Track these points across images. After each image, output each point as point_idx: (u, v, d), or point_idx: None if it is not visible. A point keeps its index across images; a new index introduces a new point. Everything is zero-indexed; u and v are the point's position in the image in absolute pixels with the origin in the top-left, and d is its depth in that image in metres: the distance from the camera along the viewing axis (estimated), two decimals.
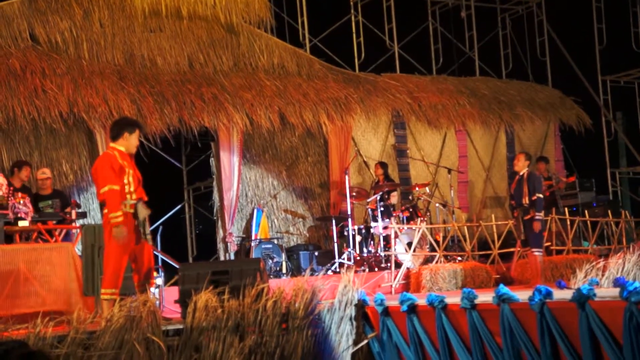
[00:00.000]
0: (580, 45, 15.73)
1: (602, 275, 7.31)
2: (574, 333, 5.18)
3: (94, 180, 6.59)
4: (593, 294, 5.06)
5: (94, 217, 10.30)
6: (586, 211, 12.04)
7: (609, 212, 11.92)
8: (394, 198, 11.24)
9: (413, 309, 6.49)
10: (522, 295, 5.64)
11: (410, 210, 10.84)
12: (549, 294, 5.36)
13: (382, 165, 11.59)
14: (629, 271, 7.35)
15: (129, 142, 6.54)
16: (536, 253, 9.18)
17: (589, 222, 11.44)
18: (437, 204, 11.55)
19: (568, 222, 11.03)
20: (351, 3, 13.69)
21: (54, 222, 8.58)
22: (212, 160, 11.59)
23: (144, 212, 6.47)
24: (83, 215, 9.16)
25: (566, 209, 11.44)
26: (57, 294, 7.25)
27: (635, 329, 4.73)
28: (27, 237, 8.23)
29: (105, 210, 6.39)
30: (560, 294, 5.70)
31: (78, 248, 7.99)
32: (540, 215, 9.13)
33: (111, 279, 6.31)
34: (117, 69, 10.61)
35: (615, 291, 5.08)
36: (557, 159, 14.53)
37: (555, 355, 5.35)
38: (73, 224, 8.70)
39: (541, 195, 9.21)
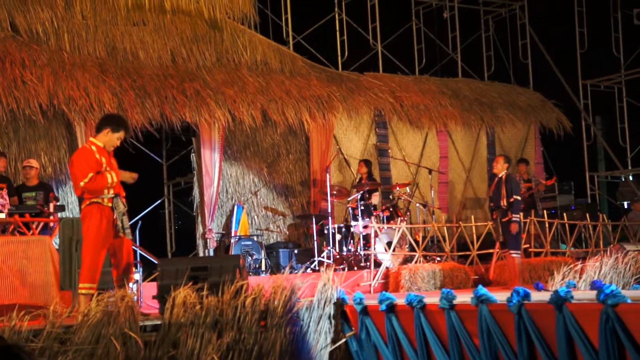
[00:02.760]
0: (562, 49, 15.86)
1: (580, 277, 7.38)
2: (550, 335, 5.22)
3: (71, 174, 6.52)
4: (570, 296, 5.10)
5: (72, 210, 10.21)
6: (564, 214, 12.13)
7: (587, 215, 12.04)
8: (375, 198, 11.24)
9: (392, 308, 6.50)
10: (500, 296, 5.67)
11: (391, 209, 10.86)
12: (526, 296, 5.39)
13: (366, 163, 11.58)
14: (606, 274, 7.42)
15: (109, 139, 6.48)
16: (514, 255, 9.24)
17: (567, 224, 11.53)
18: (417, 204, 11.58)
19: (546, 225, 11.10)
20: (335, 1, 13.69)
21: (32, 214, 8.48)
22: (193, 156, 11.53)
23: (121, 207, 6.42)
24: (61, 208, 9.07)
25: (545, 212, 11.52)
26: (34, 288, 7.18)
27: (611, 331, 4.78)
28: (4, 230, 8.13)
29: (83, 206, 6.35)
30: (538, 296, 5.74)
31: (56, 241, 7.91)
32: (517, 217, 9.20)
33: (89, 273, 6.25)
34: (98, 62, 10.52)
35: (592, 294, 5.13)
36: (537, 162, 14.64)
37: (532, 356, 5.38)
38: (51, 217, 8.61)
39: (519, 198, 9.28)
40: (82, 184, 6.24)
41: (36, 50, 10.12)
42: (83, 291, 6.24)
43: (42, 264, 7.28)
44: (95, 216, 6.30)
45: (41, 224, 8.57)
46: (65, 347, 5.64)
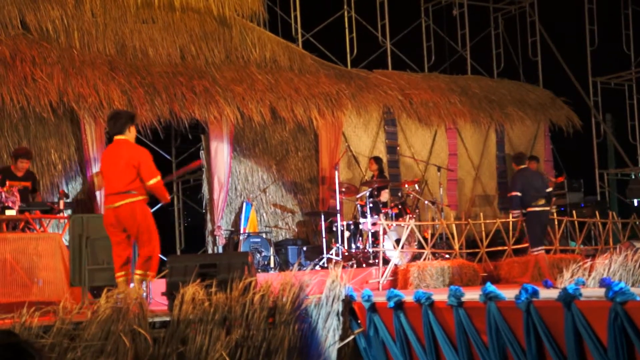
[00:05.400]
0: (572, 46, 15.80)
1: (589, 275, 7.35)
2: (559, 332, 5.21)
3: (141, 169, 6.52)
4: (579, 293, 5.09)
5: (82, 207, 10.25)
6: (574, 211, 12.09)
7: (597, 212, 11.99)
8: (385, 195, 11.24)
9: (400, 305, 6.50)
10: (509, 293, 5.66)
11: (399, 207, 10.86)
12: (535, 293, 5.38)
13: (377, 160, 11.57)
14: (615, 272, 7.39)
15: (133, 134, 6.72)
16: (534, 252, 9.31)
17: (576, 222, 11.49)
18: (426, 202, 11.57)
19: (556, 222, 11.07)
20: None
21: (42, 212, 8.53)
22: (202, 153, 11.55)
23: None
24: (71, 205, 9.12)
25: (554, 209, 11.48)
26: (44, 284, 7.22)
27: (619, 329, 4.76)
28: (14, 227, 8.18)
29: (133, 199, 6.49)
30: (547, 293, 5.73)
31: (65, 238, 7.96)
32: (515, 212, 9.32)
33: (156, 263, 6.63)
34: (108, 59, 10.55)
35: (601, 291, 5.11)
36: (547, 159, 14.60)
37: (541, 354, 5.37)
38: (61, 214, 8.65)
39: (516, 193, 9.41)
40: (152, 182, 6.54)
41: (46, 48, 10.17)
42: (152, 279, 6.64)
43: (52, 261, 7.32)
44: (149, 210, 6.72)
45: (51, 221, 8.62)
46: (75, 343, 5.67)
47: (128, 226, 6.54)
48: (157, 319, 6.17)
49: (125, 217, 6.50)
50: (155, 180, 6.54)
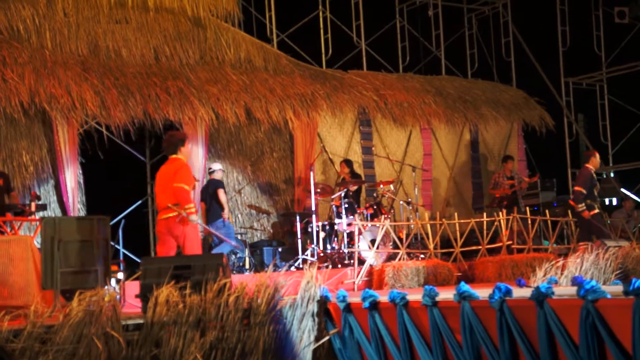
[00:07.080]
0: (544, 46, 15.97)
1: (561, 274, 7.42)
2: (532, 330, 5.25)
3: (176, 176, 7.29)
4: (551, 292, 5.13)
5: (54, 209, 10.14)
6: (547, 211, 12.19)
7: (569, 212, 12.10)
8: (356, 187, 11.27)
9: (375, 305, 6.50)
10: (483, 293, 5.69)
11: (374, 207, 10.89)
12: (508, 292, 5.42)
13: (347, 163, 11.60)
14: (587, 270, 7.47)
15: (184, 153, 7.55)
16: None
17: (549, 221, 11.58)
18: (401, 202, 11.61)
19: (529, 222, 11.16)
20: None
21: (13, 214, 8.43)
22: None
23: None
24: (43, 207, 9.02)
25: (527, 208, 11.58)
26: (15, 288, 7.12)
27: (591, 327, 4.81)
28: None
29: (174, 205, 7.28)
30: (520, 292, 5.77)
31: (37, 241, 7.86)
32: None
33: None
34: (80, 60, 10.46)
35: (573, 290, 5.16)
36: (520, 159, 14.72)
37: (514, 352, 5.41)
38: (32, 217, 8.55)
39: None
40: (177, 184, 7.34)
41: (17, 48, 10.05)
42: None
43: (24, 264, 7.22)
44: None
45: (22, 223, 8.51)
46: (46, 347, 5.60)
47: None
48: (130, 322, 6.12)
49: (170, 228, 7.39)
50: (180, 184, 7.29)
